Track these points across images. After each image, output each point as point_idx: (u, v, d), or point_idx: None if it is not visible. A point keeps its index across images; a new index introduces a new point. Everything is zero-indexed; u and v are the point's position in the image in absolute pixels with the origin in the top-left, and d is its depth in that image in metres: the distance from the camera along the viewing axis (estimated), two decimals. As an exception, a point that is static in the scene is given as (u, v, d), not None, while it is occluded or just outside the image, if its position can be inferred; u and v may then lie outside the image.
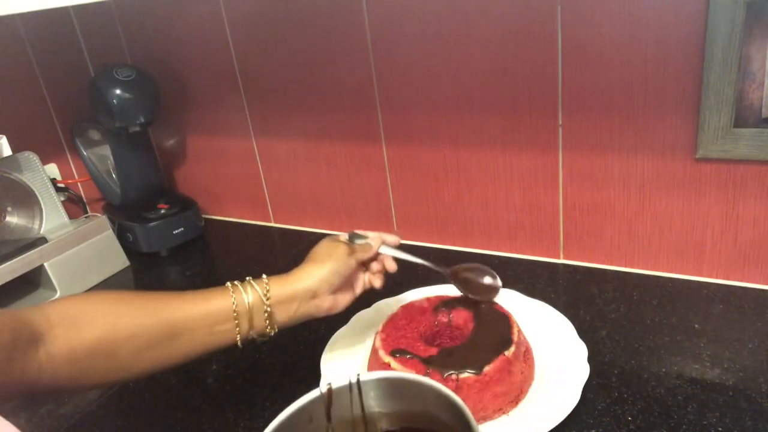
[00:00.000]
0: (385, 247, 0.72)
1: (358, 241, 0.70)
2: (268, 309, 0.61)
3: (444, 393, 0.47)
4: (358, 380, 0.51)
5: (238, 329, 0.60)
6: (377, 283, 0.71)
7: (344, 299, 0.68)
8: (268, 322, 0.62)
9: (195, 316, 0.58)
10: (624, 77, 0.76)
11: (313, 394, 0.51)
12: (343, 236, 0.71)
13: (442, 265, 0.74)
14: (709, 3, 0.68)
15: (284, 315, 0.63)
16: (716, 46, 0.69)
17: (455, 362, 0.61)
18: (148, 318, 0.56)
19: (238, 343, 0.60)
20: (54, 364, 0.50)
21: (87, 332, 0.52)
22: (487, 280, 0.75)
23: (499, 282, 0.75)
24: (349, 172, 1.07)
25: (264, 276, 0.63)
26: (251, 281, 0.62)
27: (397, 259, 0.72)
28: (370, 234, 0.72)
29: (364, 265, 0.71)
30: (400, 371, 0.60)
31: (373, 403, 0.53)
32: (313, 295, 0.64)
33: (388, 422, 0.53)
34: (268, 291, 0.61)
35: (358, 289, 0.70)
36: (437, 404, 0.49)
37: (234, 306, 0.59)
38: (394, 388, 0.52)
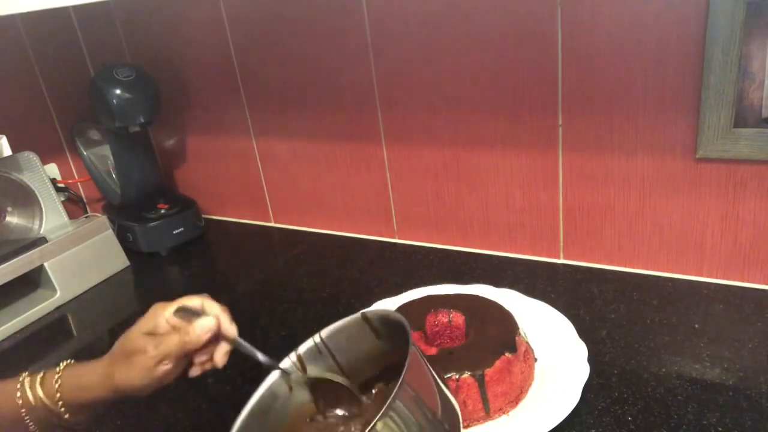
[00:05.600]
0: (224, 343, 0.56)
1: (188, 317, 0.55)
2: (60, 401, 0.53)
3: (386, 315, 0.50)
4: (321, 338, 0.54)
5: (32, 426, 0.53)
6: (195, 371, 0.56)
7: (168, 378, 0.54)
8: (65, 412, 0.53)
9: None
10: (624, 77, 0.76)
11: (284, 363, 0.54)
12: (172, 309, 0.55)
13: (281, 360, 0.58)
14: (709, 3, 0.68)
15: (82, 402, 0.54)
16: (716, 46, 0.69)
17: (455, 363, 0.61)
18: None
19: None
20: None
21: None
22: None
23: None
24: (349, 172, 1.07)
25: (61, 365, 0.55)
26: (40, 375, 0.54)
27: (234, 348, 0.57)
28: (209, 310, 0.56)
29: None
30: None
31: (340, 353, 0.55)
32: (112, 390, 0.53)
33: (369, 368, 0.55)
34: (60, 384, 0.53)
35: (194, 366, 0.56)
36: (389, 333, 0.51)
37: (20, 404, 0.53)
38: (352, 335, 0.54)
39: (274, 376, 0.53)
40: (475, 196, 0.95)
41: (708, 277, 0.82)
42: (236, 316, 0.90)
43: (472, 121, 0.90)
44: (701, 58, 0.71)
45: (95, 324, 0.96)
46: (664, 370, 0.66)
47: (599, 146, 0.81)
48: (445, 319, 0.71)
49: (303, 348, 0.54)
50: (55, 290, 1.00)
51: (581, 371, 0.64)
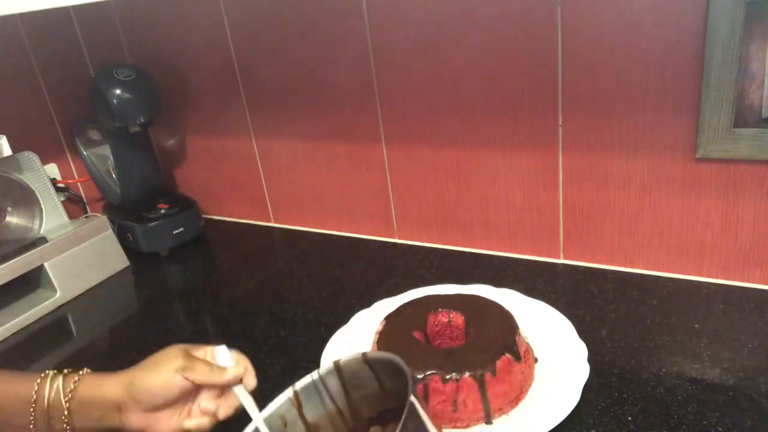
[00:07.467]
0: (240, 388, 0.55)
1: (218, 359, 0.56)
2: (67, 410, 0.54)
3: (388, 360, 0.48)
4: (319, 375, 0.53)
5: (32, 426, 0.54)
6: (191, 424, 0.55)
7: (166, 424, 0.54)
8: (66, 424, 0.54)
9: None
10: (624, 77, 0.76)
11: (280, 399, 0.52)
12: (210, 348, 0.57)
13: None
14: (709, 3, 0.68)
15: (85, 420, 0.55)
16: (716, 46, 0.69)
17: (455, 363, 0.61)
18: None
19: None
20: None
21: None
22: None
23: None
24: (349, 172, 1.07)
25: (84, 370, 0.57)
26: (63, 374, 0.56)
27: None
28: (240, 360, 0.57)
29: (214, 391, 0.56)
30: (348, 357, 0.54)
31: (338, 394, 0.54)
32: (119, 408, 0.54)
33: (366, 409, 0.54)
34: (73, 389, 0.54)
35: (194, 416, 0.55)
36: (389, 376, 0.49)
37: (33, 399, 0.54)
38: (351, 373, 0.52)
39: (274, 407, 0.51)
40: (475, 196, 0.95)
41: (708, 277, 0.82)
42: (236, 316, 0.90)
43: (472, 121, 0.90)
44: (701, 58, 0.71)
45: (95, 324, 0.96)
46: (664, 370, 0.66)
47: (599, 146, 0.81)
48: (445, 319, 0.71)
49: (300, 384, 0.52)
50: (55, 290, 1.00)
51: (581, 371, 0.64)
